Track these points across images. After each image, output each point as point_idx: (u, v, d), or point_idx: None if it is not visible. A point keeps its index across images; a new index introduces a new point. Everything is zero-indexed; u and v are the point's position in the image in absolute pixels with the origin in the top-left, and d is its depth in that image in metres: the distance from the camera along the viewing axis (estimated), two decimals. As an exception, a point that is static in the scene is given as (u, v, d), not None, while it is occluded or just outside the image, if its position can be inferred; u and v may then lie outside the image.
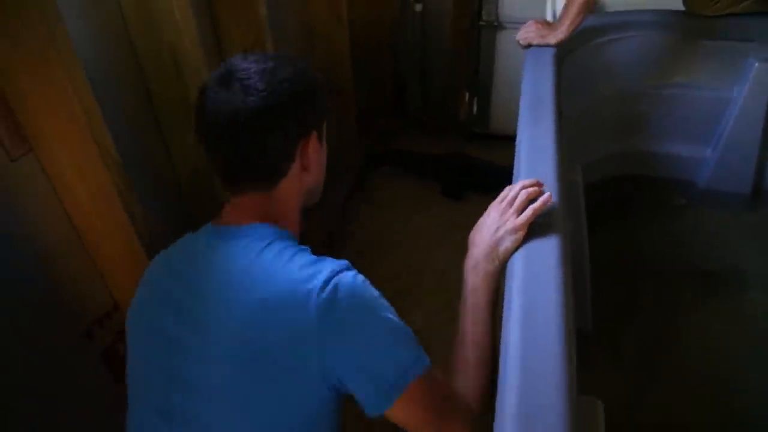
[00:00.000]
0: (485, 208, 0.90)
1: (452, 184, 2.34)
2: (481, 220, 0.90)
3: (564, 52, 1.63)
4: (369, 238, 2.16)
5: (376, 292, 0.73)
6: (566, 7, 1.54)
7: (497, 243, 0.85)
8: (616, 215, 2.07)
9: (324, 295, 0.67)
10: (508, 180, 2.14)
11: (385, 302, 0.73)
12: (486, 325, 0.81)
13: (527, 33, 1.60)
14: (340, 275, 0.70)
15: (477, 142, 2.58)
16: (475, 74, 2.45)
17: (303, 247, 0.76)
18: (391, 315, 0.72)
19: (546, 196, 0.89)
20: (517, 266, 0.83)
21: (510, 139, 2.38)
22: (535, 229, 0.86)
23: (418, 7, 2.37)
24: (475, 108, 2.55)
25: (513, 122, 2.37)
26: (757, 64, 1.87)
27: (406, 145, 2.59)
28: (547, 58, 1.51)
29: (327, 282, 0.68)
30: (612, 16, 1.94)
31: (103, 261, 1.00)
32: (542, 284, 0.79)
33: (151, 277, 0.81)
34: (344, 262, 0.73)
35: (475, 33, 2.33)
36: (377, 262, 2.02)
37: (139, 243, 1.02)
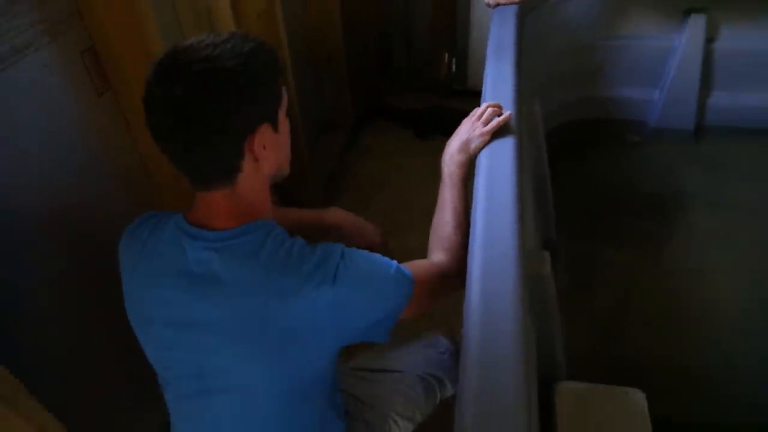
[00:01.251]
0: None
1: (423, 129, 2.73)
2: (456, 131, 1.17)
3: (526, 10, 1.92)
4: (365, 181, 2.47)
5: (356, 257, 0.80)
6: None
7: (468, 142, 1.13)
8: (577, 155, 2.37)
9: (329, 284, 0.74)
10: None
11: (362, 254, 0.81)
12: (461, 193, 1.07)
13: None
14: (331, 263, 0.76)
15: (457, 98, 2.87)
16: (453, 37, 2.74)
17: (281, 238, 0.78)
18: (369, 264, 0.80)
19: (507, 114, 1.18)
20: (483, 157, 1.13)
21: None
22: (496, 136, 1.16)
23: (401, -25, 2.64)
24: (454, 67, 2.85)
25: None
26: (693, 15, 2.17)
27: (393, 102, 2.89)
28: (511, 13, 1.80)
29: (326, 273, 0.75)
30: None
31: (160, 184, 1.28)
32: (501, 168, 1.10)
33: (133, 268, 0.83)
34: (330, 248, 0.79)
35: (453, 1, 2.61)
36: (373, 201, 2.33)
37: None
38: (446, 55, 2.86)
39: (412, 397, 1.14)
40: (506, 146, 1.15)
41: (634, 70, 2.31)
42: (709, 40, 2.22)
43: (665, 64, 2.29)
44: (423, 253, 1.05)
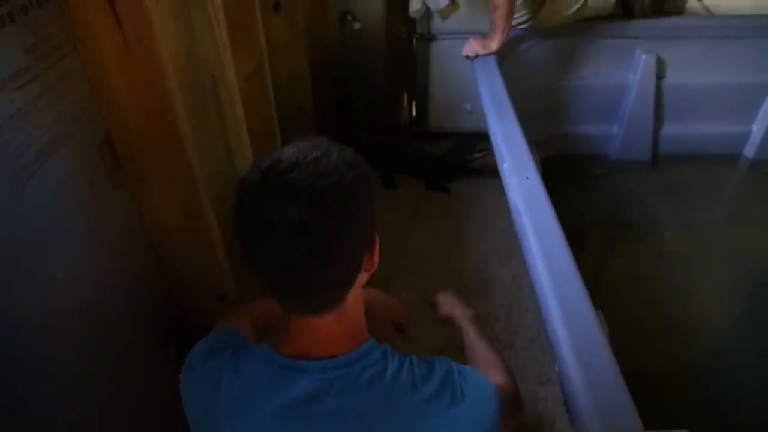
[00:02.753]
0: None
1: (389, 175, 2.67)
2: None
3: (500, 58, 1.97)
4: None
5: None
6: (494, 20, 1.87)
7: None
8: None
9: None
10: (435, 164, 2.49)
11: (465, 368, 0.78)
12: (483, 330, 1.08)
13: (472, 46, 1.92)
14: (453, 380, 0.73)
15: (419, 141, 2.89)
16: (413, 81, 2.76)
17: (398, 357, 0.74)
18: (476, 378, 0.77)
19: None
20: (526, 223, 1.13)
21: (445, 135, 2.71)
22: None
23: (357, 25, 2.64)
24: (414, 111, 2.87)
25: (447, 120, 2.71)
26: (644, 56, 2.31)
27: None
28: (493, 63, 1.84)
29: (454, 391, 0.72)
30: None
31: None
32: (549, 234, 1.10)
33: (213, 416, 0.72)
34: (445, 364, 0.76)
35: (411, 44, 2.64)
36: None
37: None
38: (405, 98, 2.87)
39: None
40: (543, 205, 1.17)
41: (594, 107, 2.43)
42: (659, 77, 2.37)
43: (621, 101, 2.41)
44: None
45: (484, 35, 1.97)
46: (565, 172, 2.53)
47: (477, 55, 1.91)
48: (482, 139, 2.46)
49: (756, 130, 2.54)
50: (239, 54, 1.54)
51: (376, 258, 0.72)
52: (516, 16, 2.03)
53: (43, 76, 0.84)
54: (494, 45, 1.89)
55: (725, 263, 2.17)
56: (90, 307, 0.97)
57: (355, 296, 0.72)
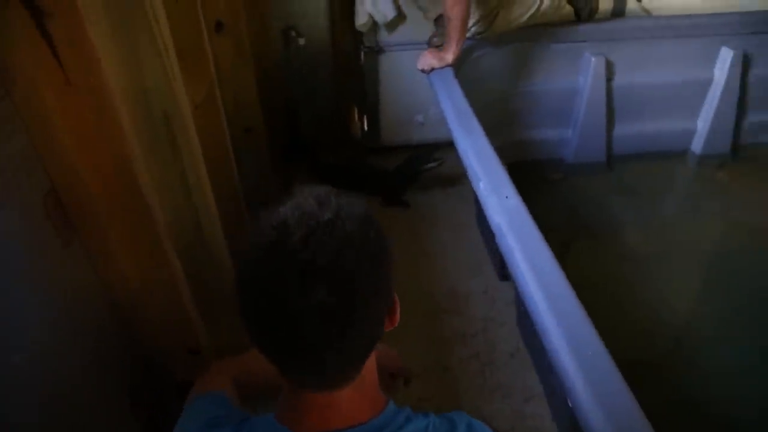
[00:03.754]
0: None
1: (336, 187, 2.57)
2: None
3: (455, 70, 1.93)
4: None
5: None
6: (449, 32, 1.83)
7: None
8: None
9: None
10: (387, 179, 2.44)
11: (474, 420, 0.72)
12: None
13: (427, 60, 1.87)
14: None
15: (372, 156, 2.82)
16: (362, 95, 2.69)
17: (419, 418, 0.68)
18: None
19: None
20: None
21: (399, 148, 2.65)
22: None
23: (302, 41, 2.55)
24: (366, 125, 2.79)
25: (400, 133, 2.66)
26: (593, 59, 2.33)
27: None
28: (451, 77, 1.80)
29: None
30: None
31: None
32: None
33: None
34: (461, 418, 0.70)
35: (359, 58, 2.57)
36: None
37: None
38: (356, 112, 2.80)
39: None
40: (527, 225, 1.12)
41: (548, 112, 2.44)
42: (608, 79, 2.40)
43: (574, 104, 2.43)
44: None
45: (436, 47, 1.93)
46: (524, 178, 2.52)
47: (432, 69, 1.87)
48: (435, 148, 2.42)
49: (701, 126, 2.62)
50: (188, 81, 1.42)
51: (397, 316, 0.65)
52: (470, 27, 2.00)
53: (-27, 128, 0.72)
54: (450, 57, 1.85)
55: (683, 259, 2.21)
56: (46, 383, 0.84)
57: (372, 360, 0.66)
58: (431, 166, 2.45)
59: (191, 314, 1.09)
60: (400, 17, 2.34)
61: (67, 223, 0.90)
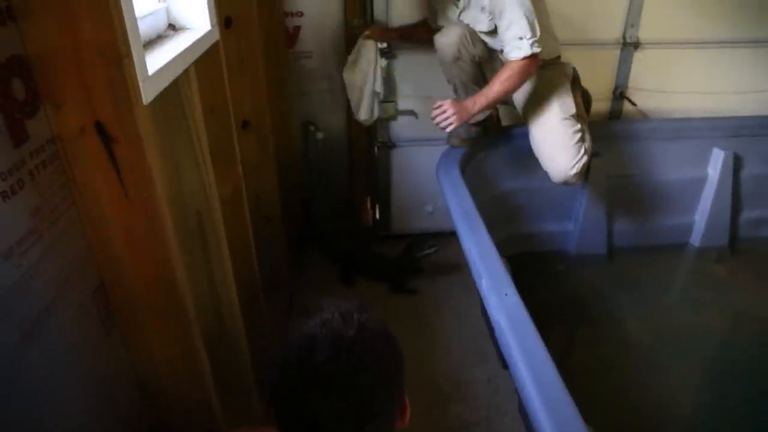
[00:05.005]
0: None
1: (346, 272, 2.70)
2: None
3: (463, 166, 2.08)
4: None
5: None
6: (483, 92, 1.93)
7: None
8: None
9: None
10: (393, 267, 2.55)
11: None
12: None
13: (451, 114, 1.91)
14: None
15: (382, 244, 2.94)
16: (375, 186, 2.86)
17: None
18: None
19: None
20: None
21: (407, 236, 2.76)
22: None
23: (320, 135, 2.75)
24: (377, 214, 2.95)
25: (410, 222, 2.79)
26: (593, 157, 2.48)
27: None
28: (456, 174, 1.94)
29: None
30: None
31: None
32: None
33: None
34: None
35: (373, 152, 2.76)
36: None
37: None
38: (368, 202, 2.96)
39: None
40: (524, 322, 1.22)
41: (550, 207, 2.57)
42: (607, 176, 2.54)
43: (575, 199, 2.57)
44: None
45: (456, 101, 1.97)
46: (528, 269, 2.62)
47: (450, 125, 1.92)
48: (430, 236, 2.55)
49: (698, 220, 2.74)
50: (218, 180, 1.57)
51: (408, 416, 0.75)
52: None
53: (45, 236, 0.85)
54: (478, 109, 1.92)
55: (684, 350, 2.27)
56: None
57: None
58: (428, 252, 2.56)
59: (213, 402, 1.18)
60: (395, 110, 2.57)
61: (110, 314, 1.02)
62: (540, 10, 1.91)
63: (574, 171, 2.03)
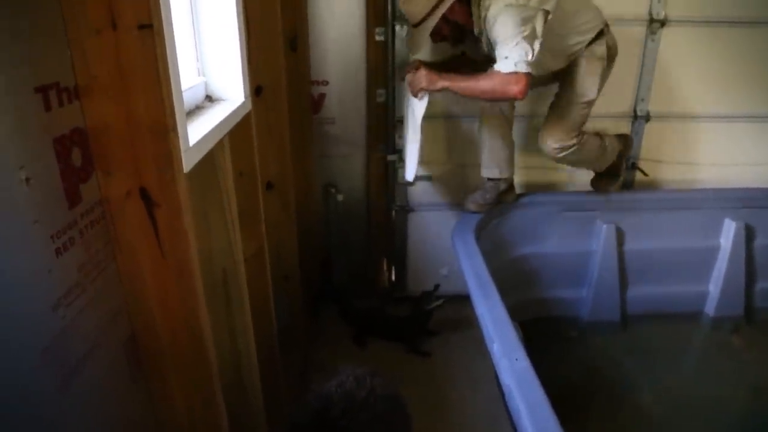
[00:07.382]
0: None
1: (360, 335, 2.73)
2: None
3: (478, 232, 2.15)
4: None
5: None
6: (459, 77, 2.02)
7: None
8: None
9: None
10: (406, 326, 2.55)
11: None
12: None
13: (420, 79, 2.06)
14: None
15: (398, 305, 2.97)
16: (392, 248, 2.93)
17: None
18: None
19: None
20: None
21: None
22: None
23: (340, 197, 2.85)
24: (393, 276, 3.00)
25: (425, 285, 2.84)
26: (604, 226, 2.55)
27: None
28: (471, 240, 2.01)
29: None
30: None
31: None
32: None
33: None
34: None
35: (391, 215, 2.84)
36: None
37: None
38: (384, 264, 3.02)
39: None
40: (534, 387, 1.25)
41: (563, 273, 2.61)
42: (620, 244, 2.59)
43: (588, 266, 2.60)
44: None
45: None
46: (541, 334, 2.63)
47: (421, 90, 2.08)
48: (437, 287, 2.61)
49: (713, 289, 2.75)
50: (242, 238, 1.66)
51: None
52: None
53: (89, 290, 0.93)
54: (443, 83, 2.01)
55: (699, 421, 2.23)
56: None
57: None
58: (437, 304, 2.59)
59: (228, 451, 1.22)
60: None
61: (138, 364, 1.08)
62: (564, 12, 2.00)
63: (557, 145, 2.19)
